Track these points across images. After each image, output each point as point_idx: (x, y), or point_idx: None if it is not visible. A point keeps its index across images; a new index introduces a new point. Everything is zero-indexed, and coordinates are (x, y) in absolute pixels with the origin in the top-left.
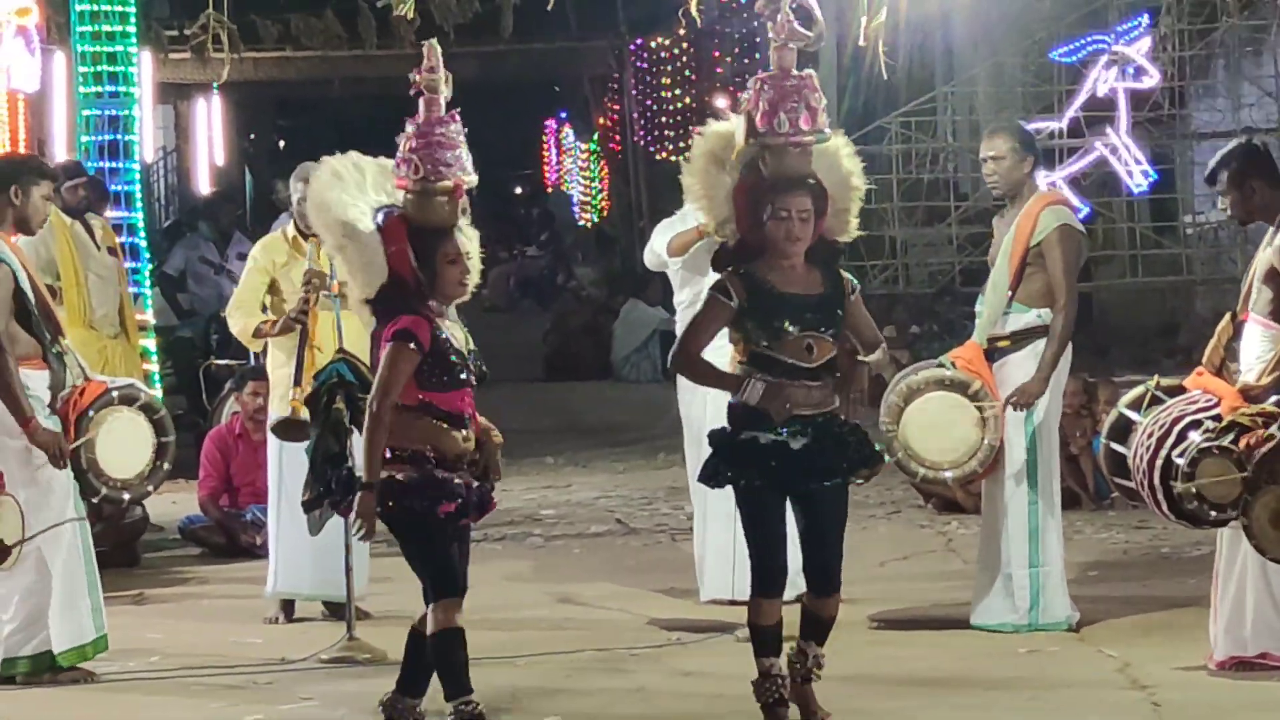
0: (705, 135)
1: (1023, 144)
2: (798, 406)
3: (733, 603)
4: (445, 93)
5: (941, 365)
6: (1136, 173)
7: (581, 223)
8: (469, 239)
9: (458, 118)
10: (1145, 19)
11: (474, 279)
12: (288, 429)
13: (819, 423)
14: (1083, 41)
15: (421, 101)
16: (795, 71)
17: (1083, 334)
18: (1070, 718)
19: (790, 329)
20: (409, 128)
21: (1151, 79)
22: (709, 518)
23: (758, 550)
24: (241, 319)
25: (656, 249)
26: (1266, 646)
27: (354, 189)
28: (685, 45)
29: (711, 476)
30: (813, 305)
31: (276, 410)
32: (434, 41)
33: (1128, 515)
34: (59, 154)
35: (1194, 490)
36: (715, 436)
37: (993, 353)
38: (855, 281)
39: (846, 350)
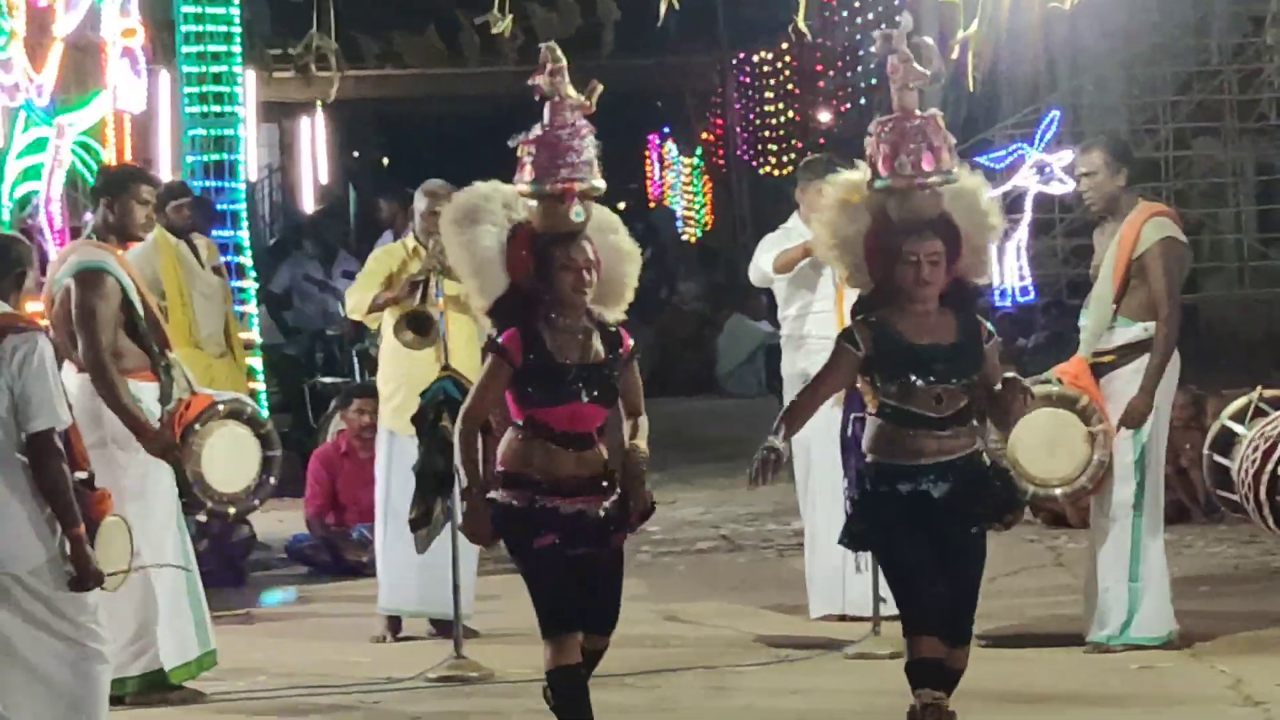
0: (833, 184)
1: (1116, 157)
2: (928, 456)
3: (844, 618)
4: (571, 96)
5: (1048, 381)
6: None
7: (685, 237)
8: (601, 247)
9: (584, 122)
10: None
11: (598, 288)
12: (418, 321)
13: (959, 466)
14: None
15: (546, 106)
16: (918, 112)
17: (1191, 346)
18: None
19: (917, 381)
20: (534, 131)
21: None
22: (818, 533)
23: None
24: (357, 294)
25: (762, 265)
26: None
27: (492, 208)
28: (788, 59)
29: (855, 538)
30: (944, 355)
31: (392, 423)
32: (553, 44)
33: (1239, 529)
34: (165, 174)
35: None
36: (855, 500)
37: (1100, 367)
38: (991, 328)
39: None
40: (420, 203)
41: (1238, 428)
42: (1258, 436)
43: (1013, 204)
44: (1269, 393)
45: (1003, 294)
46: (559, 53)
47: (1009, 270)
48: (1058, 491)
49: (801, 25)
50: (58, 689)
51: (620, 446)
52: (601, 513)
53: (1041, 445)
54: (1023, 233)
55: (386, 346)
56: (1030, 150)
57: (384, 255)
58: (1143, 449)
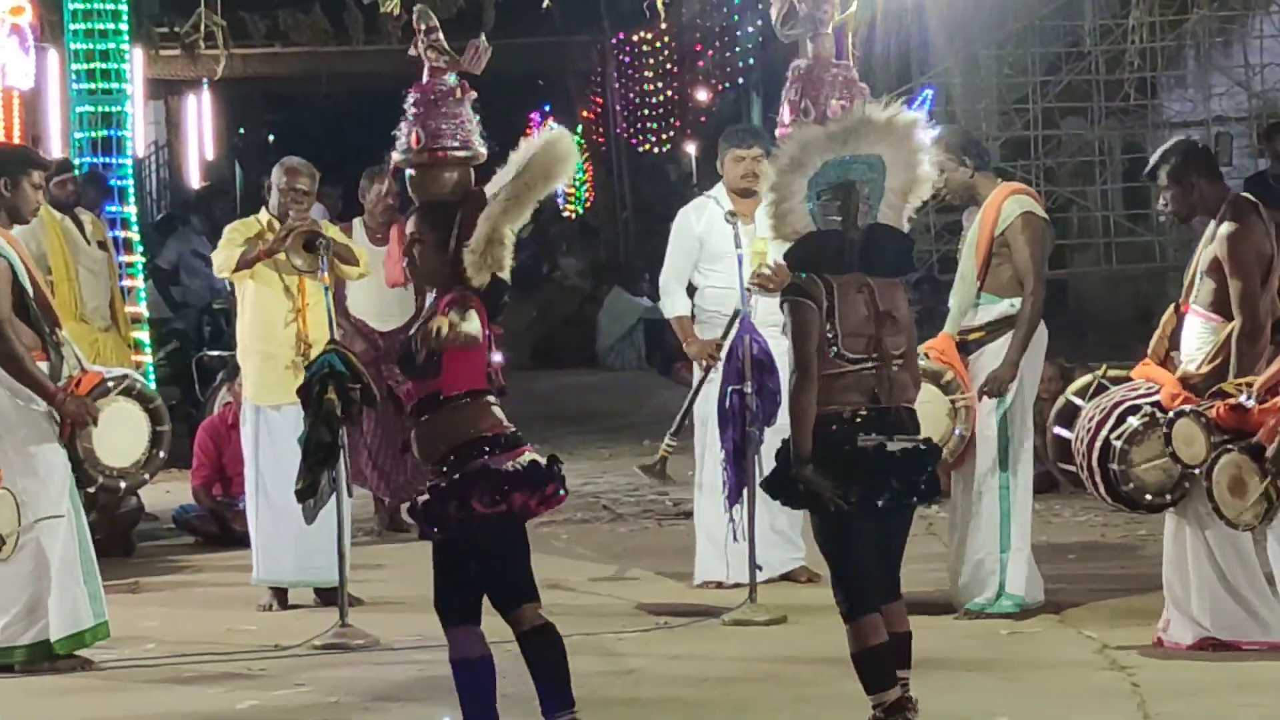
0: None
1: (958, 149)
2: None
3: (720, 586)
4: (446, 57)
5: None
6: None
7: (566, 214)
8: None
9: (459, 85)
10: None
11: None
12: (309, 241)
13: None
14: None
15: (424, 70)
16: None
17: (1059, 320)
18: (1050, 698)
19: None
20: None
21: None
22: (705, 504)
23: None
24: (223, 254)
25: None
26: (1232, 629)
27: None
28: (667, 39)
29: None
30: None
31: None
32: (424, 7)
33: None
34: (54, 150)
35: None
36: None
37: (968, 344)
38: None
39: None
40: (280, 178)
41: (1080, 402)
42: (1094, 408)
43: None
44: (1113, 371)
45: None
46: (431, 15)
47: None
48: None
49: (659, 4)
50: None
51: None
52: None
53: None
54: None
55: (244, 322)
56: None
57: (241, 226)
58: (1004, 421)
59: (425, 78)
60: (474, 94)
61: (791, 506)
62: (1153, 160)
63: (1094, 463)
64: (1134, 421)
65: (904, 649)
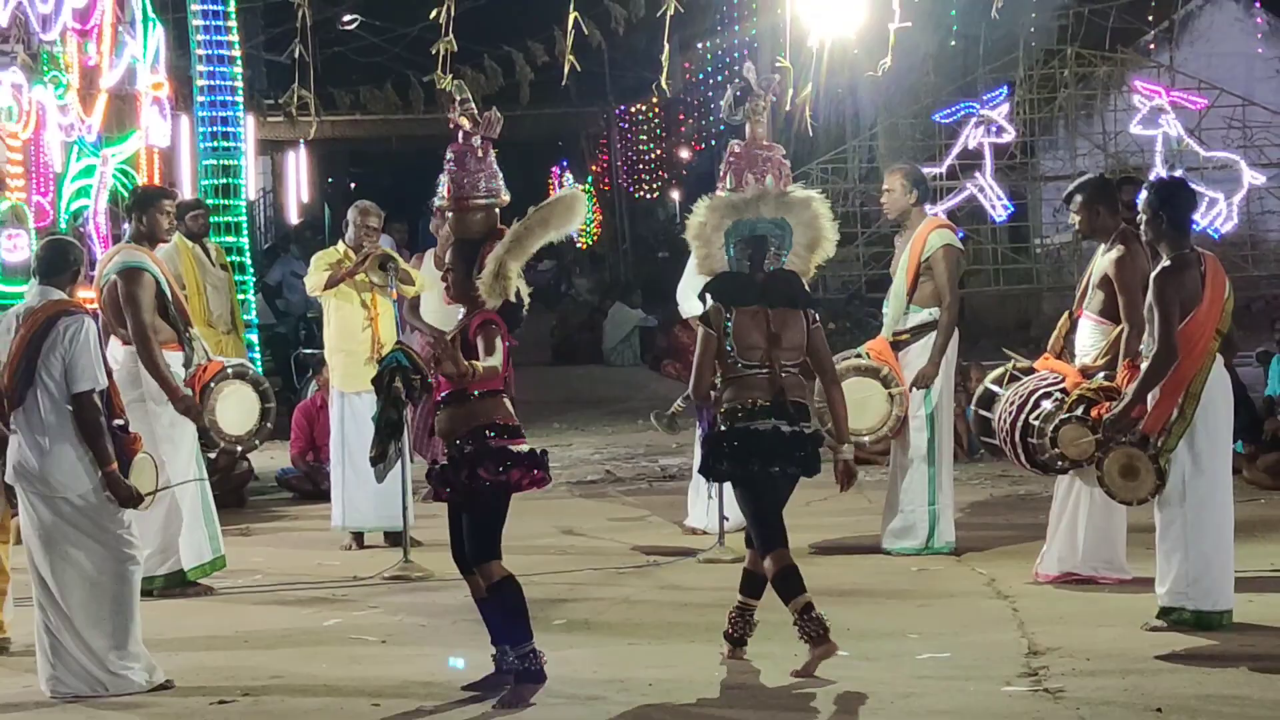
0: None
1: (911, 181)
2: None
3: (693, 531)
4: (472, 123)
5: (858, 355)
6: (998, 205)
7: (579, 245)
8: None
9: (483, 145)
10: (1004, 90)
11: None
12: (383, 263)
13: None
14: (958, 107)
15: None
16: (766, 142)
17: (958, 330)
18: (951, 621)
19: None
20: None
21: (1009, 135)
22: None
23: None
24: (313, 278)
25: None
26: (1095, 568)
27: None
28: (658, 110)
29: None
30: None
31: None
32: (459, 81)
33: (993, 467)
34: (185, 194)
35: (1055, 449)
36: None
37: (898, 344)
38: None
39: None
40: (355, 217)
41: (997, 389)
42: (1013, 394)
43: None
44: (1021, 364)
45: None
46: (464, 88)
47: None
48: (866, 439)
49: (664, 84)
50: (102, 585)
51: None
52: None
53: (854, 405)
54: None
55: (330, 327)
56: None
57: (324, 255)
58: (933, 405)
59: (458, 139)
60: (494, 151)
61: (716, 481)
62: (1070, 188)
63: (1016, 438)
64: (1047, 405)
65: (795, 577)
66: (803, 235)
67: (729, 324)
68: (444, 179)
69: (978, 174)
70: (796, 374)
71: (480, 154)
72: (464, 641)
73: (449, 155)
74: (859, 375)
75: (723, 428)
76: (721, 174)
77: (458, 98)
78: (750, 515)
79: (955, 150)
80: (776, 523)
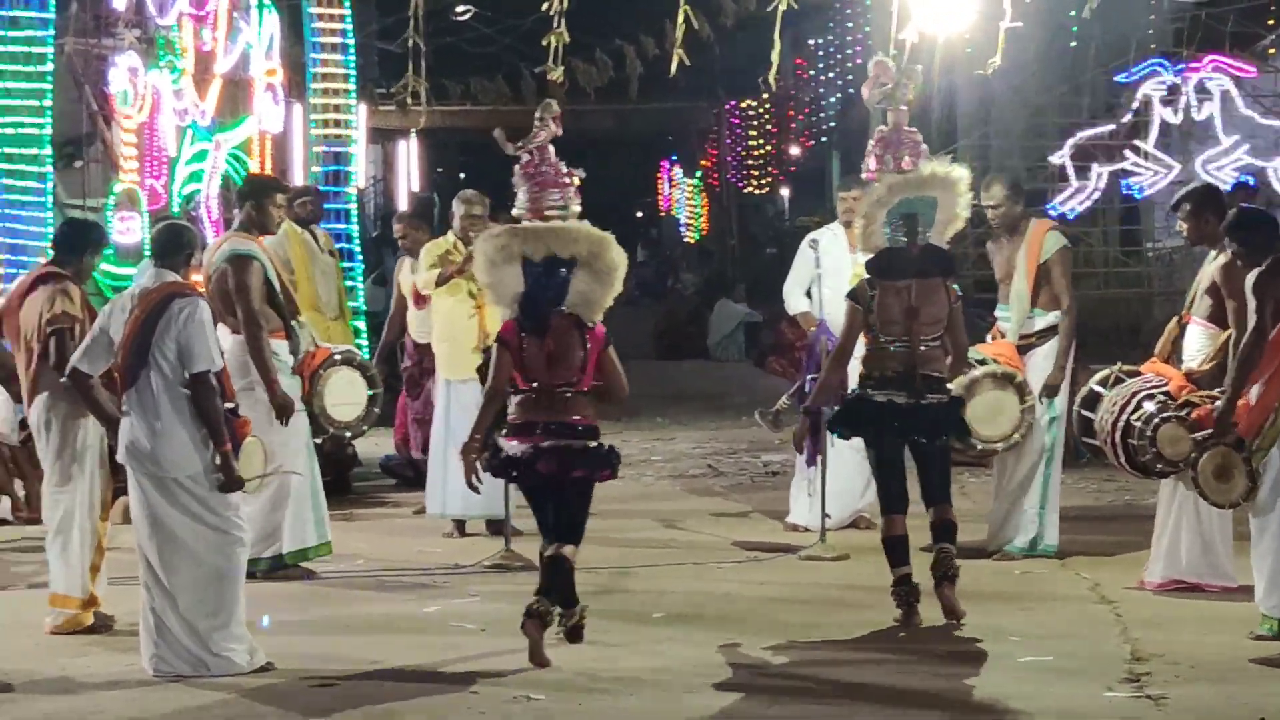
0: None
1: (1014, 191)
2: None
3: (795, 528)
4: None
5: (984, 361)
6: (1158, 178)
7: (686, 239)
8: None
9: (557, 162)
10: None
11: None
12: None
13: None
14: (1143, 64)
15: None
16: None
17: None
18: (1052, 624)
19: None
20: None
21: (1179, 111)
22: (801, 461)
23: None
24: (424, 276)
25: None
26: (1200, 575)
27: None
28: (768, 106)
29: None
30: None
31: (445, 373)
32: (551, 101)
33: (1100, 470)
34: (296, 180)
35: (1154, 449)
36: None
37: (1023, 348)
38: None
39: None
40: (459, 208)
41: (1101, 390)
42: (1116, 395)
43: None
44: (1126, 367)
45: None
46: (554, 106)
47: None
48: (1000, 446)
49: (771, 80)
50: (207, 566)
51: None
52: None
53: (989, 412)
54: None
55: (437, 316)
56: None
57: (432, 247)
58: (1058, 410)
59: (537, 155)
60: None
61: (844, 437)
62: (1178, 196)
63: (1117, 439)
64: (1149, 407)
65: (946, 530)
66: (944, 211)
67: (873, 300)
68: (520, 193)
69: (1138, 142)
70: (937, 347)
71: (557, 168)
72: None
73: (523, 167)
74: (993, 381)
75: (852, 395)
76: (868, 155)
77: (548, 115)
78: (876, 477)
79: (1130, 112)
80: (895, 488)
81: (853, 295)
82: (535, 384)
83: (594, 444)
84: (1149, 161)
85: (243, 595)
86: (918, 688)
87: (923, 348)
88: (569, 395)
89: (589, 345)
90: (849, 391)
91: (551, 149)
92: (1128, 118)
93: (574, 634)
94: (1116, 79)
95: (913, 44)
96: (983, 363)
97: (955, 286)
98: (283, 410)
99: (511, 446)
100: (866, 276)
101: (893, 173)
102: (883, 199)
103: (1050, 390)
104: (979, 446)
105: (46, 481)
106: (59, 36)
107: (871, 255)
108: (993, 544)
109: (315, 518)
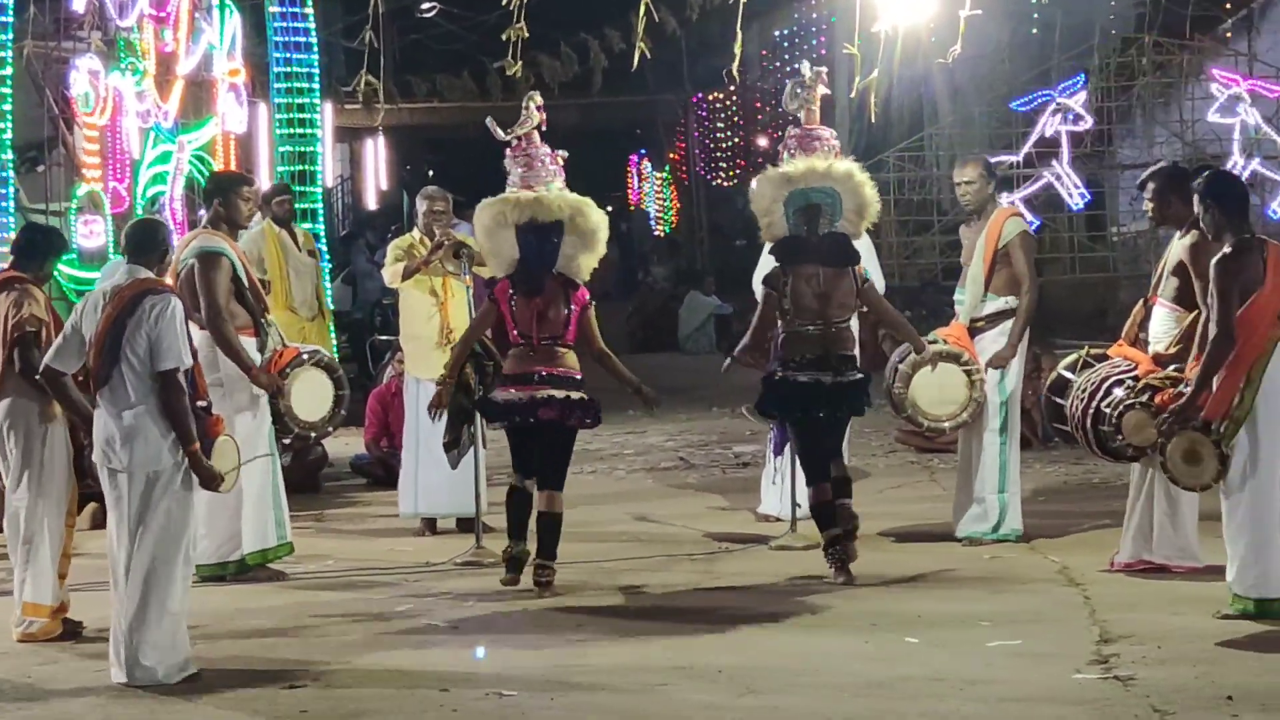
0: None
1: (988, 171)
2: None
3: (766, 518)
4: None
5: (935, 342)
6: (1075, 194)
7: (656, 233)
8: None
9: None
10: (1081, 78)
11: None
12: (457, 250)
13: None
14: (1034, 95)
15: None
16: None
17: (1033, 318)
18: (1022, 607)
19: None
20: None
21: (1086, 123)
22: (770, 452)
23: None
24: (390, 270)
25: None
26: (1168, 556)
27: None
28: (734, 98)
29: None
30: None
31: (413, 371)
32: (535, 94)
33: (1067, 454)
34: (263, 181)
35: (1122, 437)
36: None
37: (973, 331)
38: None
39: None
40: (421, 204)
41: (1070, 375)
42: (1085, 382)
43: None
44: (1094, 350)
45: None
46: (538, 96)
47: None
48: (946, 425)
49: (734, 72)
50: (162, 567)
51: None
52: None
53: (935, 390)
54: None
55: (403, 312)
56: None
57: (398, 242)
58: (1007, 392)
59: (525, 140)
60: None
61: (767, 418)
62: (1143, 176)
63: (1087, 424)
64: (1119, 392)
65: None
66: (850, 202)
67: (788, 286)
68: (516, 174)
69: (1055, 162)
70: (846, 328)
71: (544, 154)
72: (534, 628)
73: (518, 156)
74: (940, 361)
75: (776, 377)
76: (779, 155)
77: (533, 105)
78: (800, 453)
79: (1033, 138)
80: (820, 460)
81: (768, 282)
82: (527, 337)
83: (586, 396)
84: (1066, 180)
85: (176, 604)
86: (889, 674)
87: (834, 329)
88: (558, 349)
89: (573, 306)
90: (772, 374)
91: (537, 134)
92: (1027, 147)
93: (546, 586)
94: (1012, 106)
95: (877, 32)
96: (933, 342)
97: (864, 270)
98: (269, 388)
99: (510, 395)
100: (776, 264)
101: (775, 170)
102: (771, 194)
103: (999, 362)
104: (925, 425)
105: (10, 488)
106: (18, 40)
107: (774, 242)
108: (960, 530)
109: (275, 519)
